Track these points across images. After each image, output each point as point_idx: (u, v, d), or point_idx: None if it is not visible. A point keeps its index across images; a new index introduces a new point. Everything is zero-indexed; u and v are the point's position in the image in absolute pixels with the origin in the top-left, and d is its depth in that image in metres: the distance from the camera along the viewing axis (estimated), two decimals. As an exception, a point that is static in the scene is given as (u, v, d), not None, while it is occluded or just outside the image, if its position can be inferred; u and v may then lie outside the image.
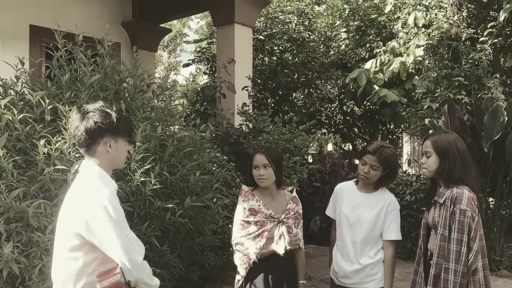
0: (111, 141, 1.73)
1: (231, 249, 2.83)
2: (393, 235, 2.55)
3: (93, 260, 1.65)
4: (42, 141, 2.51)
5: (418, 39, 6.87)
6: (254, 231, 2.46)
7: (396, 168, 2.59)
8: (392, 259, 2.57)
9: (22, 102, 2.87)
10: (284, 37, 8.70)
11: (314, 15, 9.55)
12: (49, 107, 2.68)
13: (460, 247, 2.15)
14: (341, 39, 9.24)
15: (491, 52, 6.42)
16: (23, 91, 2.93)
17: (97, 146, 1.71)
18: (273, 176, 2.49)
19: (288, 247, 2.43)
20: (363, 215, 2.56)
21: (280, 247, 2.43)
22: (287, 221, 2.51)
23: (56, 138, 2.55)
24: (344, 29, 9.31)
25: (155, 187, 2.76)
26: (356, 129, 10.57)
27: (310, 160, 7.34)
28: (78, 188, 1.71)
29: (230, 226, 3.36)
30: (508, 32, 6.91)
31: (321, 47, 9.06)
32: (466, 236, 2.15)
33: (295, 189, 2.67)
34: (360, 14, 9.06)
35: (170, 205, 2.86)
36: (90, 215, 1.61)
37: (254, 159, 2.51)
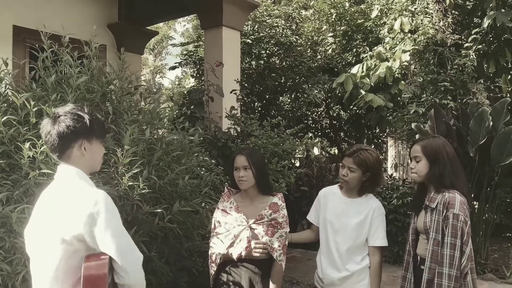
0: (85, 143, 1.68)
1: None
2: (378, 241, 2.53)
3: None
4: (27, 144, 2.43)
5: (404, 44, 6.94)
6: (222, 232, 2.45)
7: (378, 172, 2.53)
8: (379, 265, 2.54)
9: (5, 104, 2.79)
10: (272, 41, 8.71)
11: (301, 20, 9.58)
12: (34, 109, 2.61)
13: (454, 251, 2.16)
14: (328, 44, 9.28)
15: (476, 58, 6.52)
16: (7, 92, 2.85)
17: (71, 150, 1.66)
18: (252, 178, 2.43)
19: (243, 254, 2.36)
20: (348, 221, 2.53)
21: (235, 251, 2.39)
22: (256, 228, 2.41)
23: (42, 141, 2.48)
24: (331, 34, 9.35)
25: (143, 191, 2.70)
26: (342, 133, 10.62)
27: (298, 164, 7.34)
28: (62, 193, 1.63)
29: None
30: (491, 39, 7.03)
31: (308, 51, 9.08)
32: (459, 240, 2.16)
33: (280, 196, 2.53)
34: (347, 19, 9.10)
35: (158, 210, 2.81)
36: (88, 214, 1.54)
37: (235, 160, 2.49)
